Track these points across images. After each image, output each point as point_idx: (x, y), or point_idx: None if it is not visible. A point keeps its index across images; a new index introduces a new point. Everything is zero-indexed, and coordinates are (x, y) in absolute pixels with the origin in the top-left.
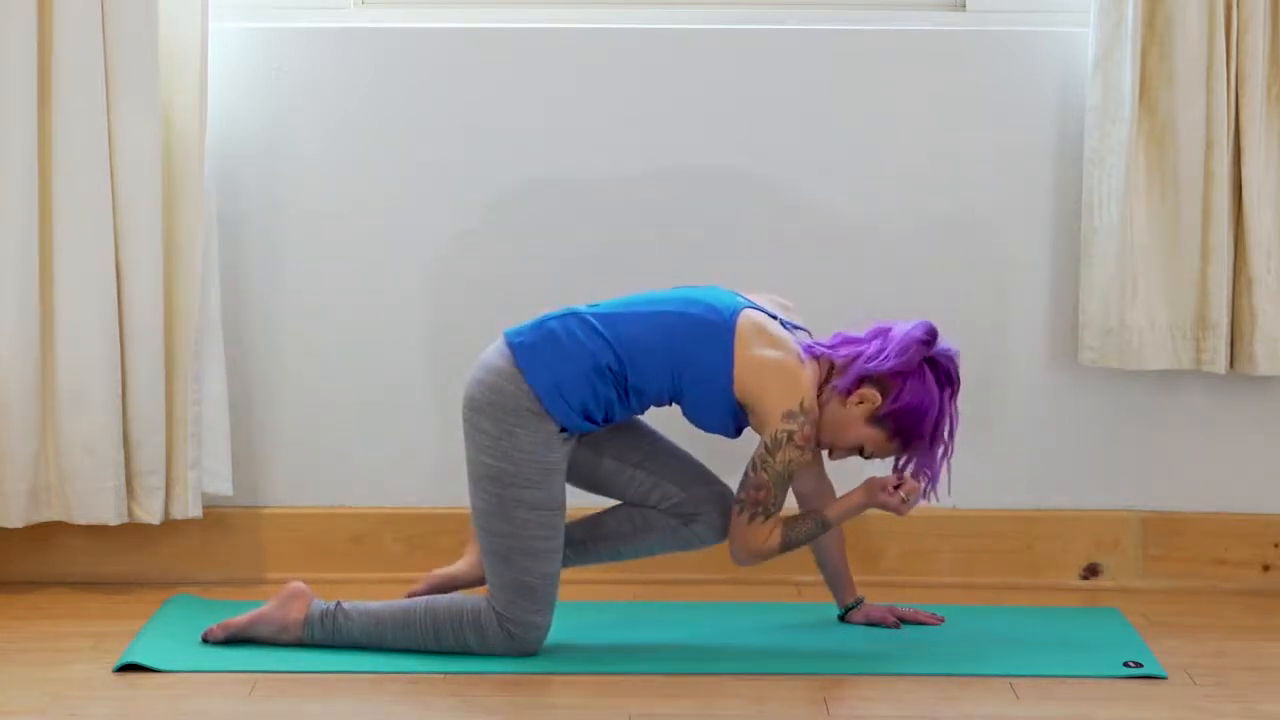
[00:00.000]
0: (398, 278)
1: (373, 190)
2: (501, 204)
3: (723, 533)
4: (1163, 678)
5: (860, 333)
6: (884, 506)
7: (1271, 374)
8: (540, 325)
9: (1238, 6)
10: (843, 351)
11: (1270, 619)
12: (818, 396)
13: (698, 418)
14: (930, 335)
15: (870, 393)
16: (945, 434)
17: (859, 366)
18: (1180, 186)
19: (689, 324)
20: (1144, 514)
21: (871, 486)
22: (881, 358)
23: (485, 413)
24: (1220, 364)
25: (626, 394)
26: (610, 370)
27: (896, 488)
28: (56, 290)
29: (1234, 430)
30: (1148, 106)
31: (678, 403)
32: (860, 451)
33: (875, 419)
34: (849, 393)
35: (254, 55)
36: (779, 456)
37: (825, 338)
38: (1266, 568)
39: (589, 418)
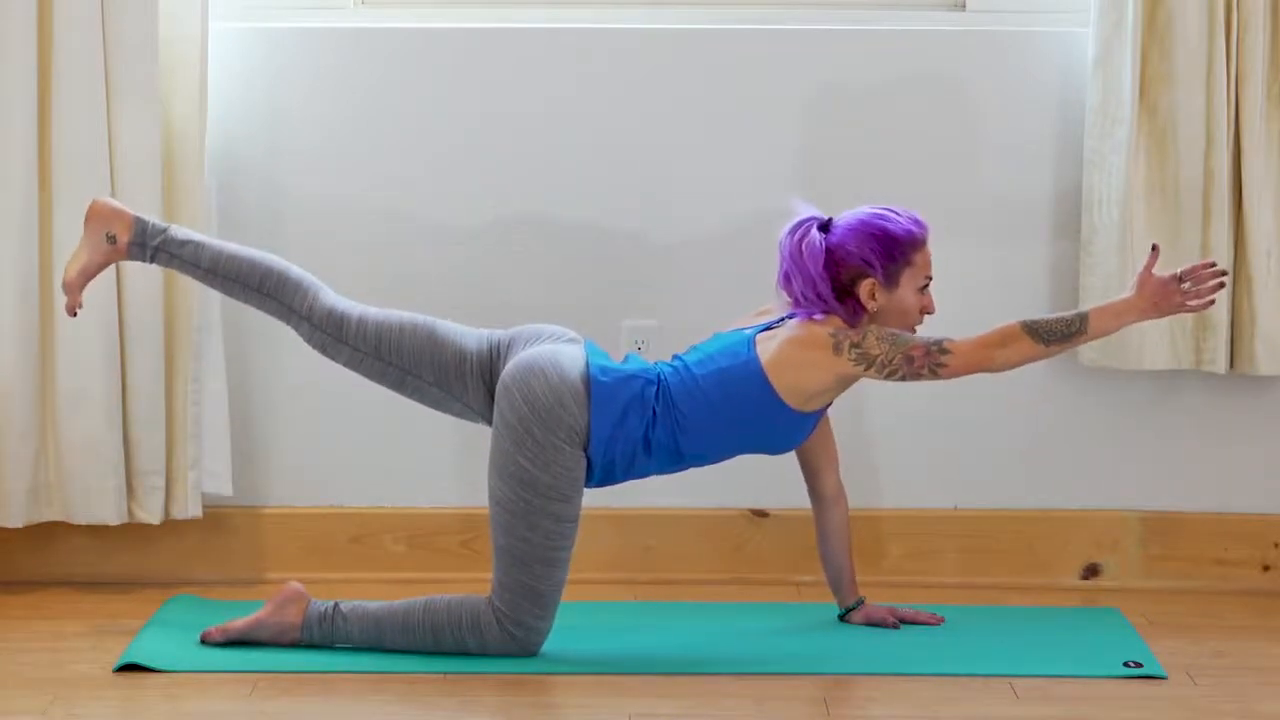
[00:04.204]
0: (397, 277)
1: (373, 190)
2: (501, 204)
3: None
4: (1163, 678)
5: (775, 311)
6: (1175, 310)
7: (1271, 374)
8: (629, 378)
9: (1238, 6)
10: (813, 309)
11: (1270, 619)
12: (855, 329)
13: (785, 446)
14: (793, 226)
15: (862, 284)
16: (906, 217)
17: (826, 297)
18: (1180, 186)
19: (729, 384)
20: (1144, 514)
21: (1147, 288)
22: (819, 282)
23: (540, 418)
24: (1220, 364)
25: (670, 460)
26: (660, 447)
27: (1181, 281)
28: (57, 290)
29: (1234, 430)
30: (1148, 106)
31: (755, 452)
32: (924, 290)
33: (889, 279)
34: (858, 308)
35: (254, 55)
36: (872, 349)
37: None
38: (1266, 568)
39: (607, 470)
